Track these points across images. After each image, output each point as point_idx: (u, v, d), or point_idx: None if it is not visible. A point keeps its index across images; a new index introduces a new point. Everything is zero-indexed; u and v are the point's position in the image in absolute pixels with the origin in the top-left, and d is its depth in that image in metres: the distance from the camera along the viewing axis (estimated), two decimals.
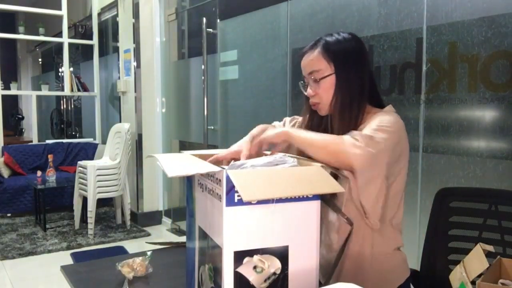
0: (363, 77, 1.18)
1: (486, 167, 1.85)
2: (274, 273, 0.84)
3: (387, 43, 2.20)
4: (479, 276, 0.87)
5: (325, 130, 1.26)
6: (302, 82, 1.25)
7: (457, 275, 0.91)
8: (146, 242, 1.60)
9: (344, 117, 1.16)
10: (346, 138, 1.03)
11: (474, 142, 1.89)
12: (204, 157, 1.02)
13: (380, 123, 1.08)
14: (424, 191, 2.05)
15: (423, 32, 2.05)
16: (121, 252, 3.57)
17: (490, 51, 1.81)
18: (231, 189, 0.80)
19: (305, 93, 1.23)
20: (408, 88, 2.13)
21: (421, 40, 2.05)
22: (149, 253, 1.26)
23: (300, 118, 1.38)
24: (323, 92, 1.18)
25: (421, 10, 2.05)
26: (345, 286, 0.76)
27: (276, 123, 1.43)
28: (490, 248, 0.91)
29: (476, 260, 0.88)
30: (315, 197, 0.87)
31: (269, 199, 0.82)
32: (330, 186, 0.88)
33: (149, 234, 4.13)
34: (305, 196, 0.86)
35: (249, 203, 0.81)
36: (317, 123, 1.28)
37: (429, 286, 1.36)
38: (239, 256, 0.82)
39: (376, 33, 2.27)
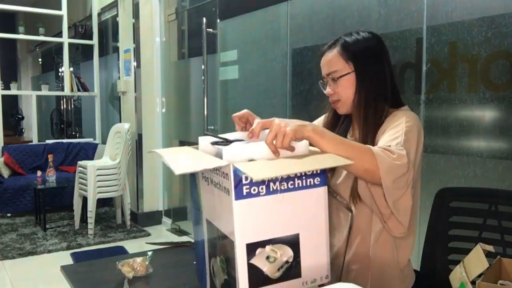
0: (384, 77, 1.17)
1: (486, 167, 1.85)
2: (287, 261, 0.85)
3: (387, 43, 2.17)
4: (479, 276, 0.87)
5: (344, 131, 1.25)
6: (321, 81, 1.25)
7: (457, 275, 0.91)
8: (146, 243, 1.60)
9: (367, 116, 1.15)
10: (379, 152, 0.97)
11: (474, 142, 1.89)
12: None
13: (403, 133, 1.05)
14: (424, 191, 2.04)
15: (423, 32, 2.05)
16: (121, 252, 3.57)
17: (490, 51, 1.81)
18: (239, 182, 0.80)
19: (325, 92, 1.23)
20: (408, 88, 2.13)
21: (421, 40, 2.05)
22: (149, 253, 1.26)
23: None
24: (341, 91, 1.17)
25: (421, 10, 2.05)
26: (345, 286, 0.76)
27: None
28: (490, 248, 0.91)
29: (476, 260, 0.88)
30: (322, 183, 0.87)
31: (277, 177, 0.82)
32: (336, 160, 0.89)
33: (149, 234, 4.13)
34: (311, 183, 0.86)
35: (257, 194, 0.82)
36: (335, 123, 1.27)
37: (429, 286, 1.36)
38: (252, 248, 0.83)
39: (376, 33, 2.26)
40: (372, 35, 1.20)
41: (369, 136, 1.13)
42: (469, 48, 1.88)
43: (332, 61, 1.17)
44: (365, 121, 1.15)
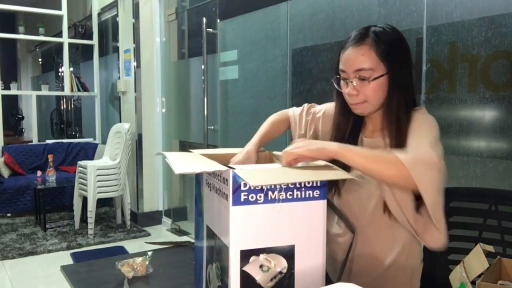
0: (412, 77, 1.08)
1: (486, 167, 1.85)
2: (280, 272, 0.85)
3: None
4: (479, 276, 0.87)
5: (355, 132, 1.16)
6: (337, 76, 1.10)
7: (457, 275, 0.91)
8: (146, 242, 1.60)
9: (401, 123, 1.04)
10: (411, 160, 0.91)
11: (474, 142, 1.89)
12: (213, 157, 1.02)
13: (432, 138, 0.99)
14: None
15: (423, 32, 2.05)
16: (121, 252, 3.57)
17: (490, 51, 1.81)
18: (237, 188, 0.81)
19: (340, 90, 1.10)
20: None
21: (421, 40, 2.05)
22: (149, 253, 1.26)
23: (317, 108, 1.29)
24: (371, 93, 1.05)
25: (421, 10, 2.05)
26: (345, 286, 0.76)
27: (294, 109, 1.32)
28: (490, 248, 0.91)
29: (476, 260, 0.88)
30: (322, 196, 0.87)
31: (276, 186, 0.82)
32: (335, 173, 0.89)
33: (149, 234, 4.13)
34: (311, 196, 0.86)
35: (255, 202, 0.82)
36: (344, 122, 1.15)
37: (429, 286, 1.36)
38: (246, 255, 0.82)
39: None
40: (398, 31, 1.08)
41: (403, 144, 1.02)
42: (469, 48, 1.88)
43: (366, 57, 1.03)
44: (398, 130, 1.04)
